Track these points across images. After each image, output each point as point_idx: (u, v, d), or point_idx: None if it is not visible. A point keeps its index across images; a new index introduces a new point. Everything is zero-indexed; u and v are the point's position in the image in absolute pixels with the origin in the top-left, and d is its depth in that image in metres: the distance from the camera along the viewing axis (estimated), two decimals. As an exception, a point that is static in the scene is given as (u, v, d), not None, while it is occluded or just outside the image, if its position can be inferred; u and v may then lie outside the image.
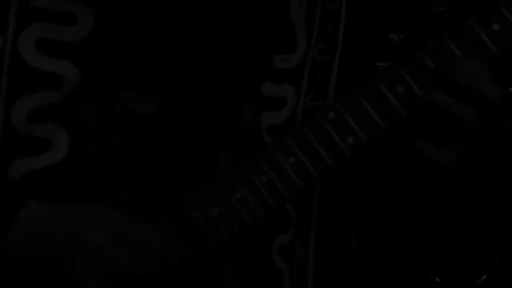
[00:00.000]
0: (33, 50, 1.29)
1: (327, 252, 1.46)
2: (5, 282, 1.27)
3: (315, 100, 1.42)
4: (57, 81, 1.30)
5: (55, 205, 1.27)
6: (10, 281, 1.27)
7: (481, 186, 2.68)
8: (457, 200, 1.54)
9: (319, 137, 1.32)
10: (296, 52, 1.41)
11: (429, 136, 1.33)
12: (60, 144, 1.30)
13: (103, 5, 1.31)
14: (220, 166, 1.33)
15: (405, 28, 3.07)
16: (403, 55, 1.35)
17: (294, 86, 1.41)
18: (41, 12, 1.29)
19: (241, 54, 1.37)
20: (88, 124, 1.31)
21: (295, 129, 1.34)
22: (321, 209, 1.45)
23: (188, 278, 1.31)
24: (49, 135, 1.30)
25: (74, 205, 1.28)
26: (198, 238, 1.30)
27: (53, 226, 1.26)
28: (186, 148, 1.34)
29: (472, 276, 3.21)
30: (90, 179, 1.31)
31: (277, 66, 1.39)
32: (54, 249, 1.26)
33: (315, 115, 1.34)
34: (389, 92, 1.32)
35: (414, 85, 1.32)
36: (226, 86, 1.36)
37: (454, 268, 3.24)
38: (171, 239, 1.29)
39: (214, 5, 1.35)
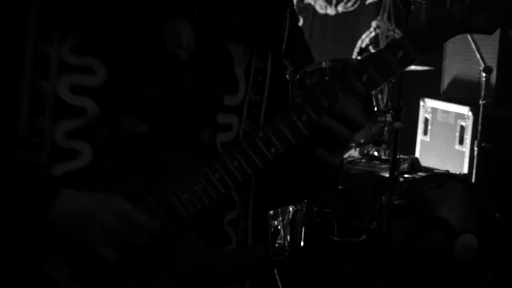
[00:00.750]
0: (67, 91, 1.28)
1: (258, 225, 1.45)
2: (50, 242, 1.27)
3: (251, 125, 1.41)
4: (83, 112, 1.29)
5: (81, 194, 1.27)
6: (52, 242, 1.27)
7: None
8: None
9: (252, 148, 1.31)
10: (238, 94, 1.40)
11: (325, 146, 1.34)
12: (86, 154, 1.29)
13: (111, 63, 1.29)
14: (189, 167, 1.32)
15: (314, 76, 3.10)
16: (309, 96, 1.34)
17: (237, 117, 1.39)
18: (71, 66, 1.28)
19: (202, 94, 1.36)
20: (103, 140, 1.30)
21: (237, 143, 1.34)
22: (255, 198, 1.44)
23: (167, 241, 1.30)
24: (78, 147, 1.29)
25: (94, 194, 1.27)
26: (175, 213, 1.30)
27: (80, 208, 1.27)
28: (166, 156, 1.32)
29: (356, 235, 3.23)
30: (104, 177, 1.30)
31: (226, 103, 1.38)
32: (79, 224, 1.26)
33: (250, 134, 1.34)
34: (297, 119, 1.31)
35: (313, 114, 1.31)
36: (193, 116, 1.35)
37: (344, 231, 3.26)
38: (156, 215, 1.29)
39: (182, 70, 1.35)
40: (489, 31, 1.35)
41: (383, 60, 1.32)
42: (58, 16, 1.27)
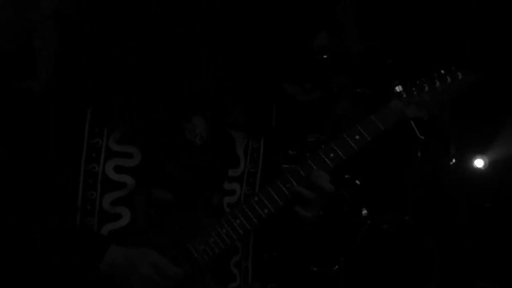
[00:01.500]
0: (112, 171, 1.27)
1: (256, 264, 1.41)
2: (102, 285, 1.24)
3: (250, 190, 1.39)
4: (124, 185, 1.27)
5: (124, 249, 1.25)
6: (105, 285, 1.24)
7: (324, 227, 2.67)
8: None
9: (250, 209, 1.30)
10: (239, 167, 1.38)
11: (302, 205, 1.31)
12: (126, 216, 1.27)
13: (145, 149, 1.28)
14: (204, 224, 1.30)
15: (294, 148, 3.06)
16: (296, 162, 1.34)
17: (239, 184, 1.37)
18: (115, 152, 1.27)
19: (212, 169, 1.34)
20: (139, 207, 1.28)
21: (239, 205, 1.32)
22: (254, 244, 1.41)
23: (189, 282, 1.27)
24: (120, 212, 1.27)
25: (134, 248, 1.25)
26: (193, 261, 1.27)
27: (123, 261, 1.24)
28: (187, 216, 1.30)
29: (330, 265, 3.16)
30: (140, 234, 1.28)
31: (230, 174, 1.36)
32: (123, 274, 1.23)
33: (248, 198, 1.32)
34: (283, 186, 1.31)
35: (294, 183, 1.31)
36: (206, 185, 1.33)
37: (321, 261, 3.18)
38: (180, 263, 1.26)
39: (197, 153, 1.32)
40: (421, 118, 1.36)
41: (345, 142, 1.32)
42: (106, 119, 1.27)
